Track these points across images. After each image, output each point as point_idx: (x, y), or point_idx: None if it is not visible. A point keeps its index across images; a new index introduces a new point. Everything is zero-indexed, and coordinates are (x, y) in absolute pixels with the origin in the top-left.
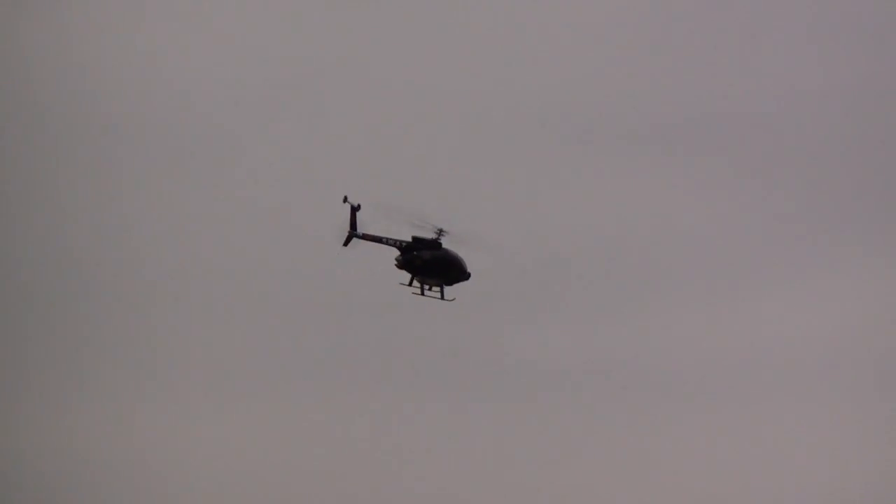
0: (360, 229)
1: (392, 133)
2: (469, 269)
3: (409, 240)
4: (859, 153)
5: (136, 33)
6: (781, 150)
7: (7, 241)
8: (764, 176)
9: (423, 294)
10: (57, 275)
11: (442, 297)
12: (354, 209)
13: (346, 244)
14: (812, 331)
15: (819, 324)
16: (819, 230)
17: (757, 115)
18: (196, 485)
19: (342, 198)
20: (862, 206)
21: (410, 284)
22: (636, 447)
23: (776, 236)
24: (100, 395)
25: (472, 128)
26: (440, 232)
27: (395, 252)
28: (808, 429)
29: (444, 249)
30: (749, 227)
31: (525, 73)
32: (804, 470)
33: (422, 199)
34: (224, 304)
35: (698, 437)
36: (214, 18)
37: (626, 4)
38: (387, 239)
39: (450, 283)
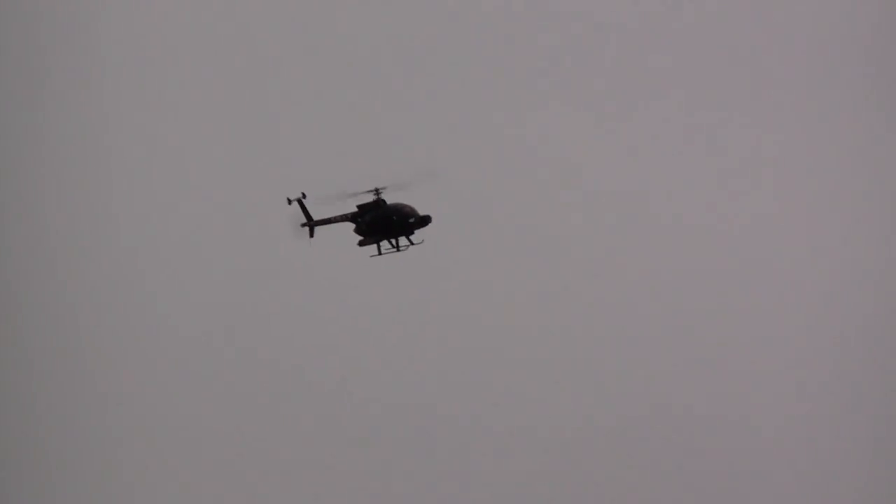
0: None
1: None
2: (421, 213)
3: (355, 209)
4: None
5: None
6: None
7: None
8: None
9: (380, 253)
10: None
11: (397, 248)
12: (301, 200)
13: (311, 235)
14: None
15: None
16: None
17: None
18: None
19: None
20: None
21: (380, 252)
22: None
23: None
24: None
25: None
26: (377, 191)
27: (350, 226)
28: None
29: (387, 206)
30: None
31: None
32: None
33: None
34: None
35: None
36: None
37: None
38: (336, 217)
39: (408, 233)
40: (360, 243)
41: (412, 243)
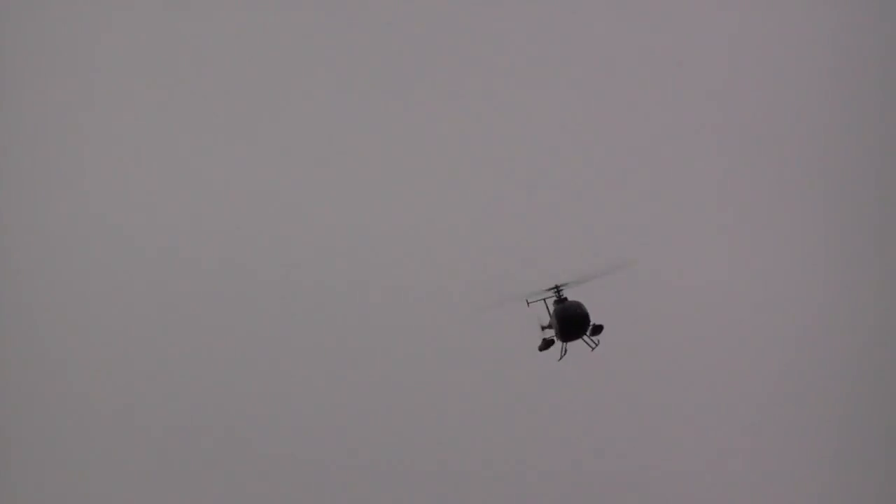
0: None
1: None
2: (589, 316)
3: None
4: None
5: None
6: None
7: None
8: None
9: (560, 358)
10: None
11: (563, 353)
12: (546, 302)
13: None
14: None
15: None
16: None
17: None
18: None
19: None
20: None
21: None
22: None
23: None
24: None
25: None
26: (557, 288)
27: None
28: None
29: (563, 305)
30: None
31: None
32: None
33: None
34: None
35: None
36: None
37: None
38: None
39: (572, 338)
40: (540, 348)
41: (595, 344)
